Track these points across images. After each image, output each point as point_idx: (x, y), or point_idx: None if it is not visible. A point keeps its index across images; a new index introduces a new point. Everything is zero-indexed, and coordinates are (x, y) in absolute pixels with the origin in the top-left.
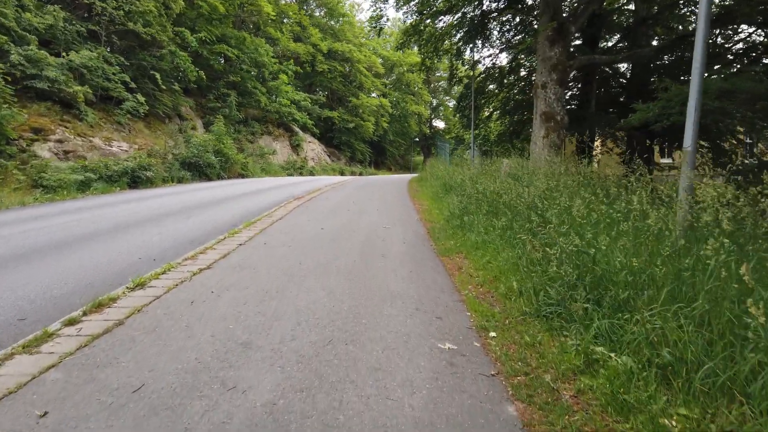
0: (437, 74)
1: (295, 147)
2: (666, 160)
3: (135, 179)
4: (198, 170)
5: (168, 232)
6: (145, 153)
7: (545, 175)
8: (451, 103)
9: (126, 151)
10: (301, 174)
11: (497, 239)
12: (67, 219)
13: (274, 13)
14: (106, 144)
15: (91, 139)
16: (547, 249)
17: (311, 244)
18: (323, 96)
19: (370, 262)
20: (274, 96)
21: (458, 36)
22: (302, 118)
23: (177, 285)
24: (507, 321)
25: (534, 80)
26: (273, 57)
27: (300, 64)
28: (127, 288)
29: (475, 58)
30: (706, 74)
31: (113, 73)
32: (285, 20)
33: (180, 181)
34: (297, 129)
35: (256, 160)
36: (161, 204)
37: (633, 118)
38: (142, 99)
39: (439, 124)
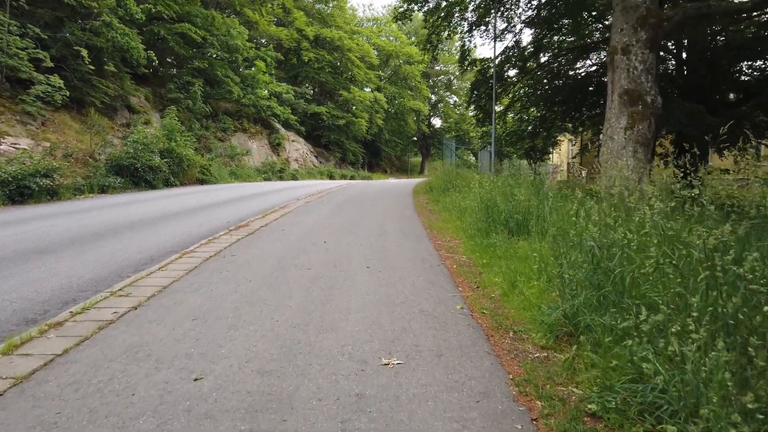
0: (437, 68)
1: (275, 146)
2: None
3: (22, 191)
4: (135, 176)
5: None
6: (43, 154)
7: None
8: (452, 100)
9: (25, 150)
10: (281, 178)
11: None
12: None
13: None
14: None
15: None
16: None
17: None
18: (309, 89)
19: None
20: (249, 87)
21: (472, 5)
22: (284, 113)
23: None
24: None
25: (610, 45)
26: (249, 42)
27: (284, 53)
28: None
29: (496, 31)
30: None
31: (21, 48)
32: (265, 2)
33: (104, 190)
34: (278, 126)
35: (226, 162)
36: None
37: None
38: (58, 82)
39: (437, 122)
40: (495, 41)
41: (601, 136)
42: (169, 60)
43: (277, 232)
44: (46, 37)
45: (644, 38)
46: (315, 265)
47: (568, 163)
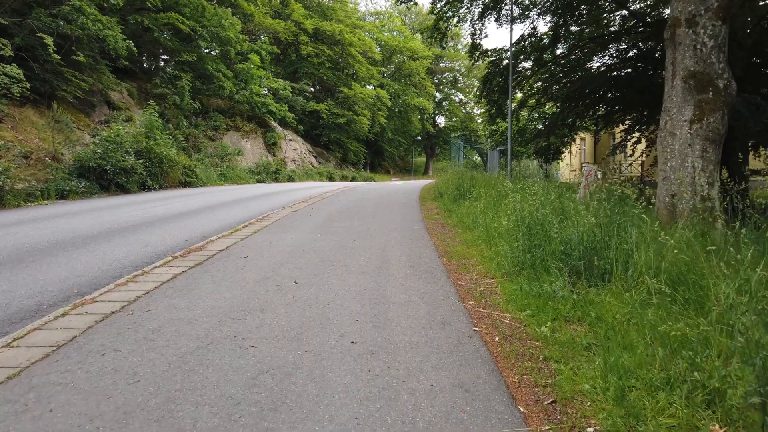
0: (442, 64)
1: (271, 146)
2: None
3: None
4: (103, 178)
5: None
6: None
7: None
8: (458, 97)
9: None
10: (276, 180)
11: None
12: None
13: None
14: None
15: None
16: None
17: None
18: (308, 86)
19: None
20: (243, 82)
21: None
22: (280, 110)
23: None
24: None
25: (671, 17)
26: (244, 35)
27: (282, 48)
28: None
29: (513, 14)
30: None
31: None
32: None
33: (64, 196)
34: (274, 124)
35: (216, 163)
36: None
37: None
38: (17, 73)
39: (442, 121)
40: (512, 23)
41: (657, 131)
42: (163, 57)
43: (235, 261)
44: (6, 22)
45: (715, 6)
46: (266, 338)
47: (582, 164)
